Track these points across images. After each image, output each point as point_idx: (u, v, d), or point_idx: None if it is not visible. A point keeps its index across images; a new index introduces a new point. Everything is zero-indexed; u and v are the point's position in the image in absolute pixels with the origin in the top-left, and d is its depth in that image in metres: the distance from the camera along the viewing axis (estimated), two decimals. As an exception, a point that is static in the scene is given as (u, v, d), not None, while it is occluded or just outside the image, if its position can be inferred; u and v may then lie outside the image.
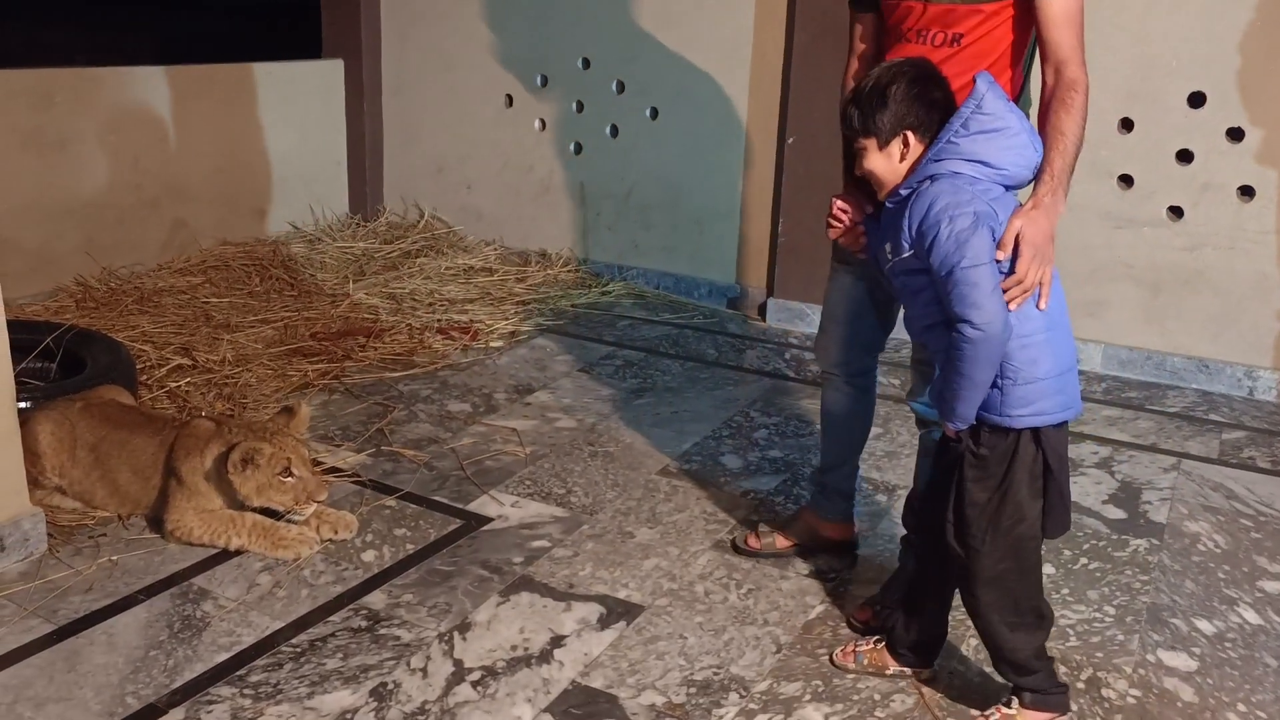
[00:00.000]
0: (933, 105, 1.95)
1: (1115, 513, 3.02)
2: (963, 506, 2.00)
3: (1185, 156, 3.94)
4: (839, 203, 2.22)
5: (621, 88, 4.99)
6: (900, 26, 2.22)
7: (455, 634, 2.35)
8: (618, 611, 2.46)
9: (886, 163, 1.98)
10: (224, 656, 2.23)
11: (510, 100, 5.29)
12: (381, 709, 2.09)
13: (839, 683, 2.23)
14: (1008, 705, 2.08)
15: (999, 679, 2.15)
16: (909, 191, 1.95)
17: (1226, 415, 3.79)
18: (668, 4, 4.77)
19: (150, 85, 4.72)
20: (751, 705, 2.15)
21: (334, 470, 3.07)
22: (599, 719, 2.10)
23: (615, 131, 5.05)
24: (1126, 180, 4.05)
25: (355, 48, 5.54)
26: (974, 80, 1.92)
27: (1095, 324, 4.18)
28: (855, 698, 2.19)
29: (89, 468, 2.74)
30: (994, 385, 1.91)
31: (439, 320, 4.38)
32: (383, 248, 5.23)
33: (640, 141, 4.99)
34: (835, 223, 2.22)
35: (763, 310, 4.72)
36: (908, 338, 2.16)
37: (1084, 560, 2.75)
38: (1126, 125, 4.00)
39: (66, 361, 3.28)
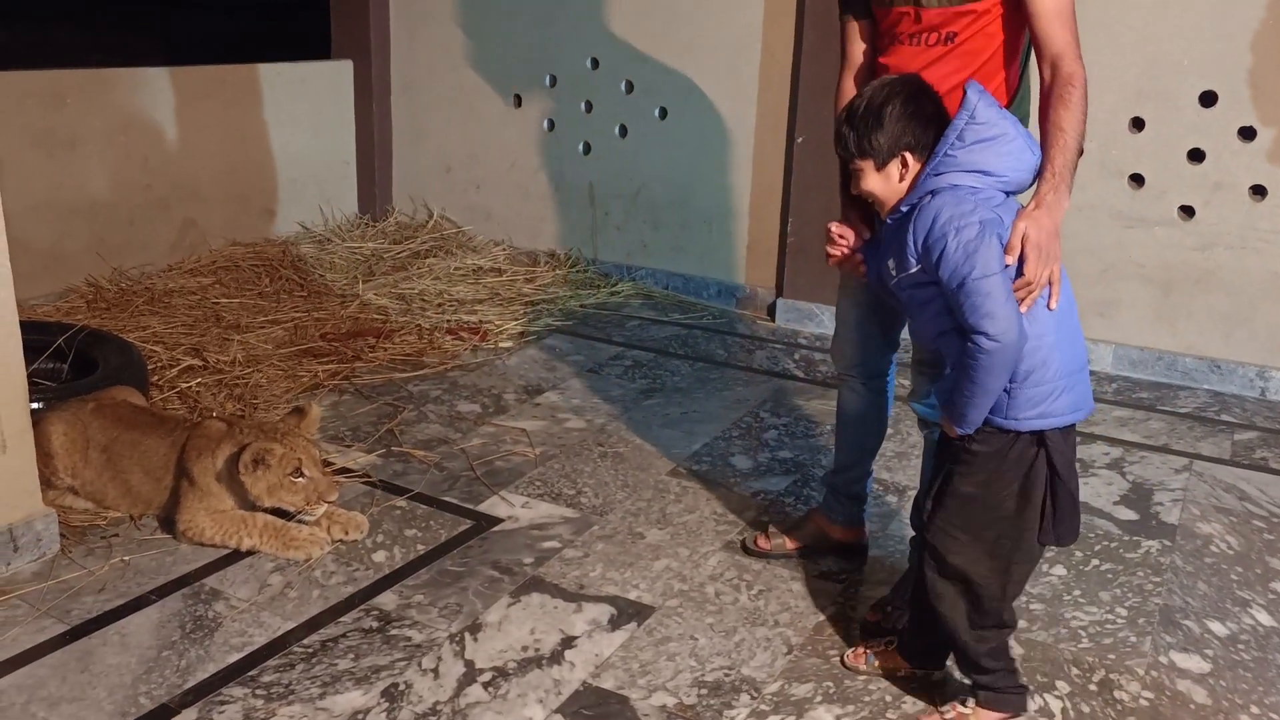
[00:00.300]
0: (928, 121, 1.94)
1: (1127, 514, 3.01)
2: (944, 495, 2.01)
3: (1197, 156, 3.92)
4: (836, 228, 2.23)
5: (630, 87, 4.99)
6: (894, 30, 2.22)
7: (466, 635, 2.35)
8: (628, 612, 2.46)
9: (885, 183, 1.98)
10: (236, 657, 2.24)
11: (519, 100, 5.30)
12: (393, 709, 2.10)
13: (850, 684, 2.23)
14: (964, 704, 2.10)
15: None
16: (910, 208, 1.94)
17: (1238, 416, 3.77)
18: (676, 3, 4.76)
19: (160, 86, 4.73)
20: (763, 707, 2.15)
21: (344, 471, 3.07)
22: (610, 720, 2.10)
23: (624, 131, 5.05)
24: (1137, 180, 4.03)
25: (364, 48, 5.54)
26: (964, 90, 1.91)
27: (1106, 324, 4.16)
28: (866, 699, 2.19)
29: (101, 468, 2.75)
30: None
31: (448, 321, 4.39)
32: (392, 248, 5.24)
33: (649, 141, 4.99)
34: (833, 250, 2.23)
35: (772, 310, 4.71)
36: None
37: (1096, 561, 2.74)
38: (1137, 124, 3.99)
39: (78, 362, 3.29)
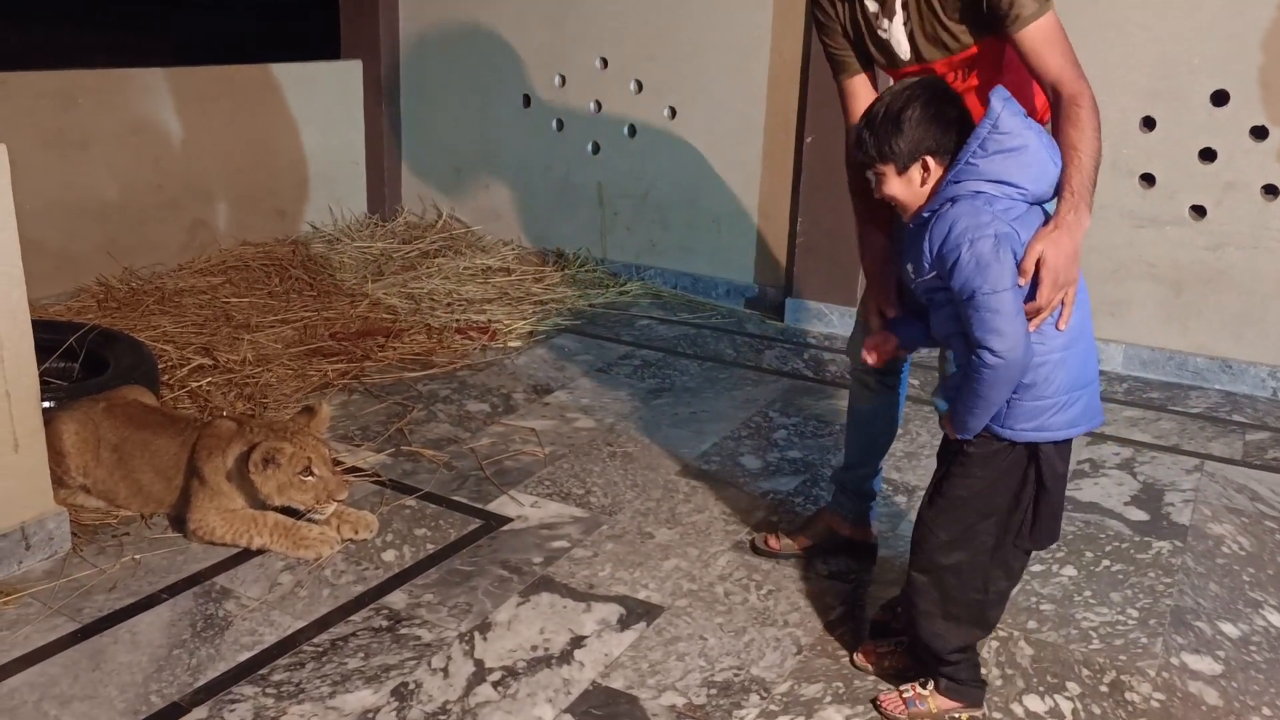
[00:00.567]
0: (948, 125, 1.91)
1: (1138, 514, 3.00)
2: (937, 495, 2.03)
3: (1208, 155, 3.90)
4: (874, 340, 2.22)
5: (640, 87, 4.99)
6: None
7: (476, 634, 2.35)
8: (638, 612, 2.46)
9: (907, 187, 1.95)
10: (246, 655, 2.24)
11: (528, 100, 5.30)
12: (403, 709, 2.10)
13: (860, 685, 2.23)
14: (923, 686, 2.12)
15: (1014, 674, 2.15)
16: (931, 214, 1.91)
17: (1250, 416, 3.76)
18: (686, 3, 4.76)
19: (171, 86, 4.75)
20: (772, 707, 2.15)
21: (354, 470, 3.08)
22: (620, 720, 2.10)
23: (633, 131, 5.05)
24: (1148, 179, 4.02)
25: (374, 48, 5.56)
26: (989, 97, 1.88)
27: (1117, 324, 4.15)
28: (876, 700, 2.18)
29: (112, 467, 2.76)
30: None
31: (457, 320, 4.39)
32: (401, 248, 5.25)
33: (658, 141, 4.98)
34: (870, 358, 2.21)
35: (781, 310, 4.71)
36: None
37: (1106, 562, 2.73)
38: (1148, 124, 3.97)
39: (89, 362, 3.30)
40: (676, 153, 4.95)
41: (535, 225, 5.42)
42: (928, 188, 1.94)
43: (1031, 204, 1.92)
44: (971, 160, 1.87)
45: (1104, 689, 2.24)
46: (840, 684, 2.23)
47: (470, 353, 4.09)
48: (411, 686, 2.17)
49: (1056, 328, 1.90)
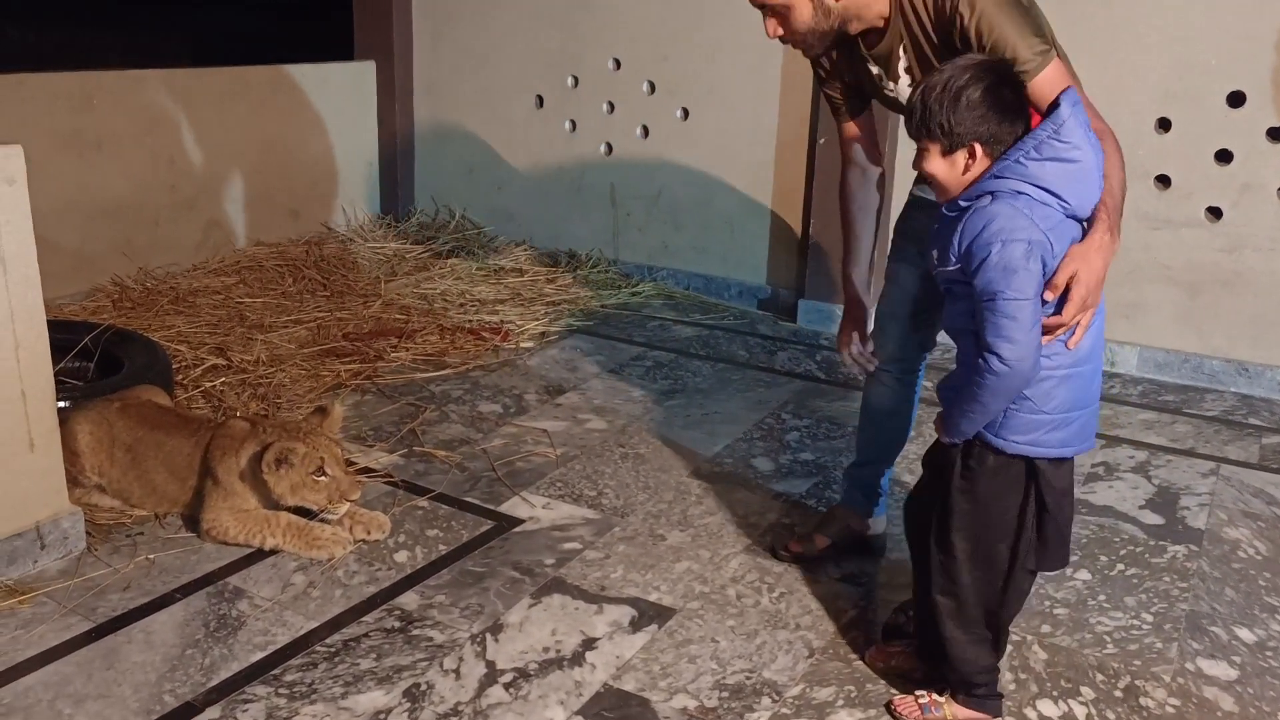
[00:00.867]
0: (1005, 114, 1.83)
1: (1153, 518, 2.98)
2: (946, 509, 1.99)
3: (1224, 156, 3.88)
4: (853, 352, 2.52)
5: (652, 88, 4.99)
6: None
7: (487, 635, 2.35)
8: (649, 614, 2.45)
9: (949, 169, 1.87)
10: (259, 655, 2.25)
11: (541, 101, 5.30)
12: (415, 710, 2.10)
13: (872, 688, 2.22)
14: (940, 694, 2.10)
15: (1028, 681, 2.14)
16: (967, 204, 1.86)
17: (1267, 419, 3.73)
18: (699, 4, 4.76)
19: (186, 87, 4.77)
20: (784, 710, 2.14)
21: (367, 470, 3.09)
22: (631, 722, 2.10)
23: (646, 132, 5.05)
24: (1164, 181, 4.00)
25: (387, 49, 5.57)
26: (1058, 99, 1.81)
27: (1131, 326, 4.13)
28: (889, 704, 2.17)
29: (126, 467, 2.77)
30: None
31: (470, 321, 4.40)
32: (414, 248, 5.26)
33: (671, 142, 4.98)
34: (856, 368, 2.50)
35: (793, 311, 4.70)
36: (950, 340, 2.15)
37: (1121, 566, 2.72)
38: (1164, 125, 3.95)
39: (104, 361, 3.31)
40: (689, 154, 4.94)
41: (548, 226, 5.42)
42: (970, 175, 1.86)
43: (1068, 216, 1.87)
44: (1023, 160, 1.80)
45: (1118, 694, 2.22)
46: (853, 687, 2.22)
47: (483, 354, 4.10)
48: (423, 687, 2.17)
49: (1066, 346, 1.87)
